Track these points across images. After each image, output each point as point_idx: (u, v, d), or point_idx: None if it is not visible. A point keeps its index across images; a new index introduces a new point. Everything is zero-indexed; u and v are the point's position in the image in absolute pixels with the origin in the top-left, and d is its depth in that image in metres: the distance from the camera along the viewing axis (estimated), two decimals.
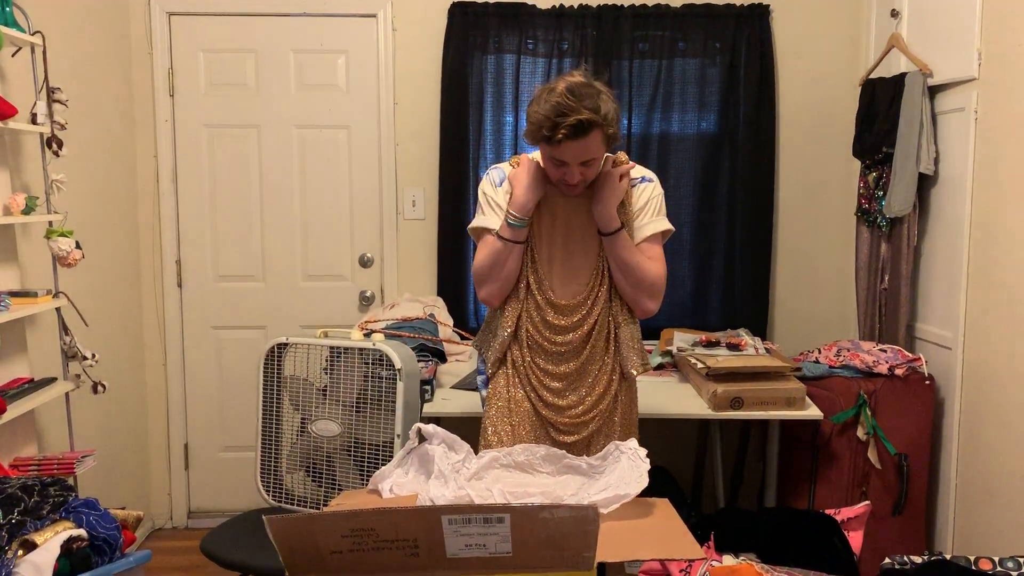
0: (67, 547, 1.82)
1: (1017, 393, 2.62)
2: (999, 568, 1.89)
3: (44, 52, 2.70)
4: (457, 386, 3.01)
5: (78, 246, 2.71)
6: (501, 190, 2.23)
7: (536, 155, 2.20)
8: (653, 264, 2.17)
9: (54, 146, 2.70)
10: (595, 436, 2.24)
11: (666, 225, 2.22)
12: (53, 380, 2.74)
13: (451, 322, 3.51)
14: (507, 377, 2.26)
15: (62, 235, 2.68)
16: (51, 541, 1.80)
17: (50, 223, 2.71)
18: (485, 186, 2.26)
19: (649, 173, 2.26)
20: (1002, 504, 2.70)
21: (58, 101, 2.73)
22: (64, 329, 2.82)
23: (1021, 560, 1.90)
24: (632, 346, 2.23)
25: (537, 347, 2.21)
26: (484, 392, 2.33)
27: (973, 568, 1.89)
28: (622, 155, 2.23)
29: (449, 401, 2.86)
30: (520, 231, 2.15)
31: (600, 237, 2.16)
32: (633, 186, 2.21)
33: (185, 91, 3.74)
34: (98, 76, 3.40)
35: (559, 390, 2.21)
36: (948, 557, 1.95)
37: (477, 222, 2.24)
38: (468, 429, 2.38)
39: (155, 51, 3.70)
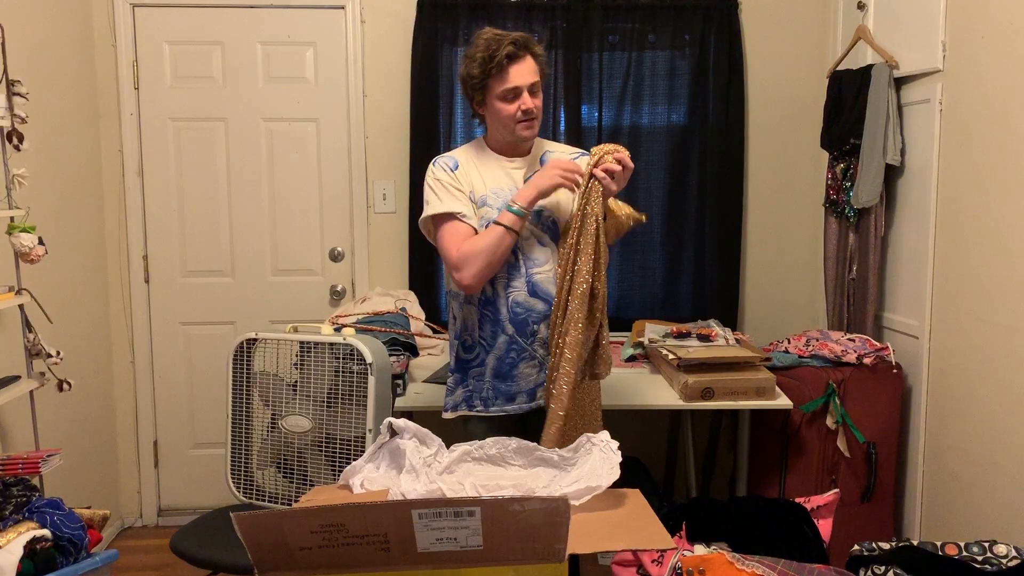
0: (31, 548, 1.80)
1: (982, 380, 2.66)
2: (965, 553, 1.92)
3: (3, 44, 2.64)
4: (429, 380, 2.99)
5: (41, 242, 2.66)
6: (459, 173, 2.25)
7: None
8: None
9: (15, 140, 2.64)
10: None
11: None
12: (17, 378, 2.69)
13: (423, 316, 3.50)
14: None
15: (24, 231, 2.62)
16: (14, 542, 1.78)
17: (12, 219, 2.66)
18: (439, 174, 2.26)
19: None
20: (968, 490, 2.74)
21: (18, 94, 2.67)
22: (28, 326, 2.76)
23: (986, 545, 1.93)
24: None
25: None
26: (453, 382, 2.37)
27: (940, 553, 1.92)
28: None
29: (421, 395, 2.85)
30: (521, 220, 2.18)
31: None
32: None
33: (150, 84, 3.68)
34: (60, 69, 3.34)
35: None
36: (915, 543, 1.97)
37: (438, 208, 2.23)
38: (440, 423, 2.38)
39: (119, 43, 3.63)
